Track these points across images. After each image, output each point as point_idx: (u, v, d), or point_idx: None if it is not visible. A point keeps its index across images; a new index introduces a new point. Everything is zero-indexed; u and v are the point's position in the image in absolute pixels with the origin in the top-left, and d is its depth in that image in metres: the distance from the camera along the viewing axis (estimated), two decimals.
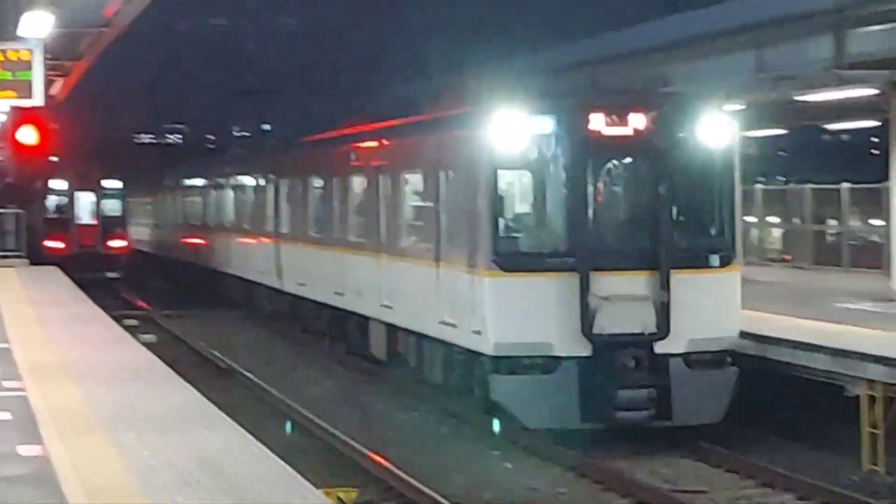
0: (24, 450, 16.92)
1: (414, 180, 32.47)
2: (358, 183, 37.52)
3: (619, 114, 26.91)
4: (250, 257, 55.17)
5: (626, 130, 26.83)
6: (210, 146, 70.01)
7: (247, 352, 39.55)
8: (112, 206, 68.57)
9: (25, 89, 30.55)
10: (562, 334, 25.54)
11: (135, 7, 33.37)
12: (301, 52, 78.13)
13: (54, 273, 50.58)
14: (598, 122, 26.72)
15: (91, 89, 61.04)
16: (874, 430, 23.40)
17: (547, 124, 26.82)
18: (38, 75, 30.38)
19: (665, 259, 25.70)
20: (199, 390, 23.04)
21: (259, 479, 15.65)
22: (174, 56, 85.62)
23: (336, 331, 40.18)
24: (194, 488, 15.08)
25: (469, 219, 27.43)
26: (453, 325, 27.70)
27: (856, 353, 24.45)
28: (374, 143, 36.96)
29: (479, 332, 25.88)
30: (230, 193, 59.74)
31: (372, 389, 31.83)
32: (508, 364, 25.54)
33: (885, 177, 37.42)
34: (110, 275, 64.10)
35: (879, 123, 40.45)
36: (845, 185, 40.70)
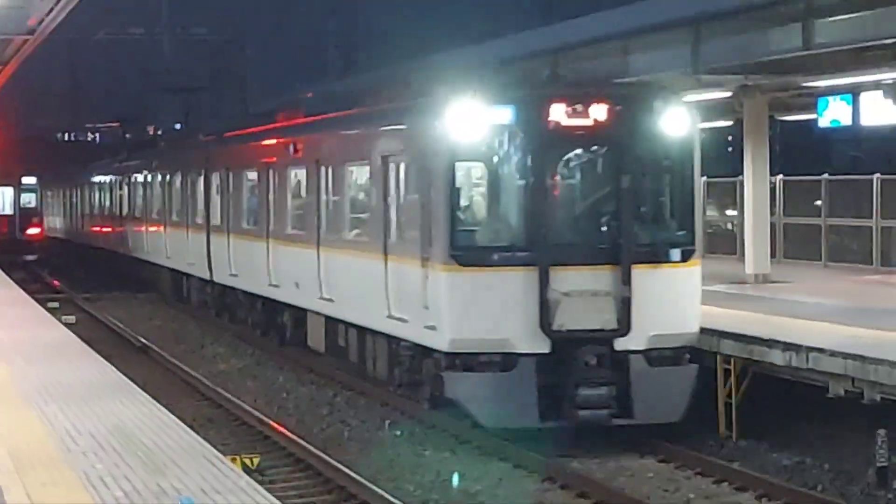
0: None
1: (359, 172, 29.66)
2: (297, 175, 34.08)
3: (579, 104, 24.39)
4: (179, 248, 50.40)
5: (586, 121, 24.38)
6: (133, 142, 67.24)
7: (159, 331, 39.47)
8: (28, 199, 74.06)
9: None
10: (520, 330, 23.16)
11: (55, 17, 33.33)
12: (214, 57, 77.00)
13: None
14: (558, 112, 24.26)
15: (16, 92, 60.49)
16: (728, 401, 23.84)
17: (505, 115, 24.31)
18: None
19: (627, 253, 23.38)
20: (115, 366, 23.23)
21: (170, 447, 15.92)
22: (93, 61, 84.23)
23: (268, 322, 36.99)
24: (109, 454, 15.30)
25: (423, 212, 24.81)
26: (402, 320, 25.22)
27: (713, 330, 24.47)
28: (314, 136, 33.66)
29: (433, 328, 23.57)
30: (155, 187, 55.46)
31: (275, 365, 31.77)
32: (464, 361, 23.24)
33: (740, 171, 38.43)
34: (28, 257, 69.61)
35: (732, 123, 40.91)
36: (703, 178, 41.01)
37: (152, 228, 52.91)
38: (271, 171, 35.09)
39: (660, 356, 23.44)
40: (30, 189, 74.36)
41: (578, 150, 24.62)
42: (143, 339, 36.36)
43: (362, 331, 28.04)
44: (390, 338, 26.09)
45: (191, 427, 18.12)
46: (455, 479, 20.78)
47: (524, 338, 22.94)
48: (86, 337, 29.32)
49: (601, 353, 22.72)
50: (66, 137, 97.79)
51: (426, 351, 24.15)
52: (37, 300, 36.39)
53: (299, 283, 31.37)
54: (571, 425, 22.58)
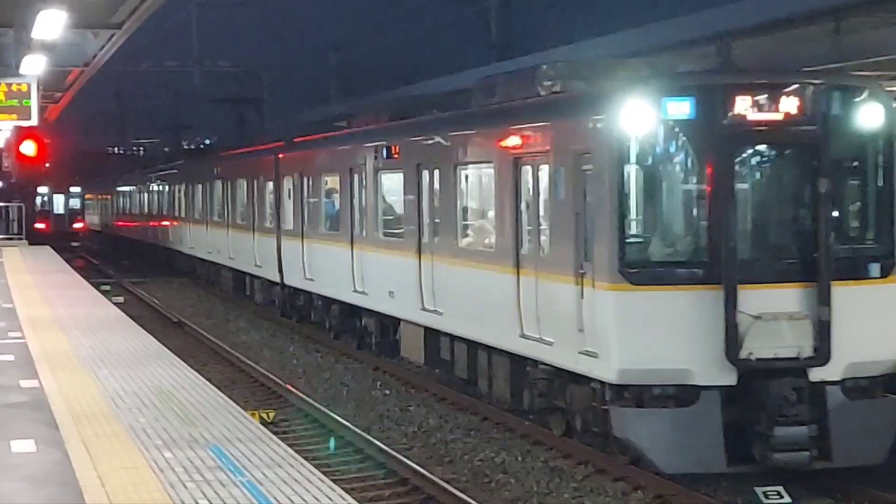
0: (25, 383, 17.16)
1: (477, 176, 23.01)
2: (391, 179, 26.90)
3: (768, 96, 18.36)
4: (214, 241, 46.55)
5: (776, 116, 18.39)
6: (185, 151, 66.84)
7: (192, 309, 39.39)
8: (74, 203, 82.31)
9: (25, 113, 30.40)
10: (702, 359, 17.05)
11: (106, 52, 33.22)
12: (236, 85, 76.50)
13: (47, 251, 50.54)
14: (743, 105, 18.18)
15: (71, 115, 60.17)
16: None
17: (683, 108, 18.16)
18: (34, 102, 30.21)
19: (825, 269, 17.48)
20: (156, 338, 23.24)
21: (200, 403, 16.00)
22: (135, 88, 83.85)
23: (346, 326, 30.24)
24: (150, 409, 15.34)
25: (578, 221, 18.59)
26: (543, 342, 18.76)
27: None
28: (416, 138, 25.42)
29: (592, 355, 17.36)
30: (216, 191, 49.10)
31: (286, 338, 31.64)
32: (634, 394, 17.23)
33: None
34: (74, 244, 75.67)
35: None
36: None
37: (212, 229, 45.15)
38: (357, 176, 28.40)
39: (856, 387, 17.70)
40: (75, 195, 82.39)
41: (767, 149, 18.87)
42: (178, 316, 36.29)
43: (474, 346, 21.79)
44: (519, 358, 19.85)
45: (217, 387, 18.14)
46: (332, 443, 19.28)
47: (706, 368, 17.03)
48: (131, 314, 29.28)
49: (799, 386, 16.94)
50: (115, 150, 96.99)
51: (577, 378, 17.99)
52: (92, 284, 36.24)
53: (394, 291, 25.06)
54: (765, 470, 17.00)
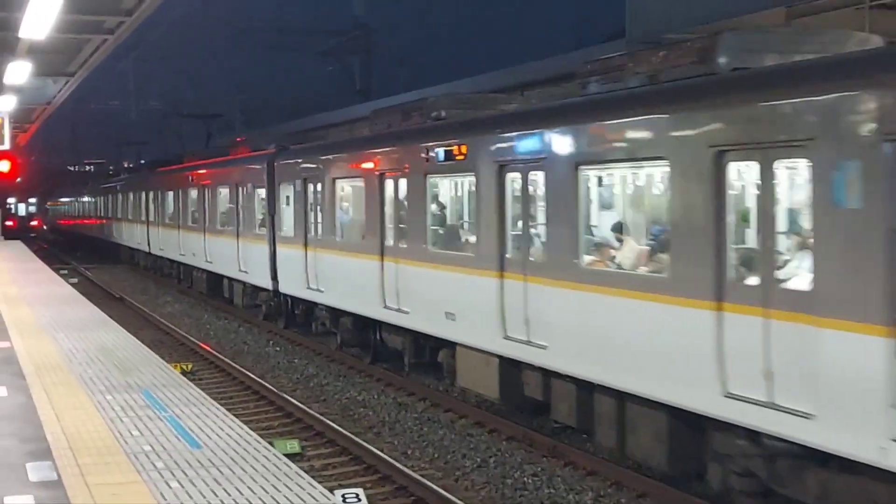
0: (0, 345, 16.88)
1: (638, 179, 13.66)
2: (457, 184, 17.76)
3: None
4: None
5: None
6: (111, 173, 65.51)
7: (129, 286, 38.92)
8: (32, 209, 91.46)
9: (0, 139, 30.17)
10: None
11: (63, 94, 32.81)
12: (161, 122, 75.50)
13: (18, 244, 49.77)
14: None
15: (34, 142, 59.14)
16: None
17: None
18: (6, 131, 29.94)
19: None
20: (101, 309, 23.02)
21: (134, 358, 15.99)
22: (87, 121, 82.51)
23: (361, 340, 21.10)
24: (96, 363, 15.25)
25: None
26: (779, 409, 9.77)
27: None
28: (501, 135, 15.08)
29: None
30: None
31: (202, 309, 31.36)
32: None
33: None
34: (31, 235, 77.19)
35: None
36: None
37: (185, 233, 34.29)
38: (392, 180, 18.22)
39: None
40: (32, 203, 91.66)
41: None
42: (119, 293, 35.81)
43: (585, 387, 13.24)
44: (713, 423, 11.01)
45: (148, 346, 18.08)
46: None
47: None
48: (83, 291, 28.96)
49: None
50: (70, 168, 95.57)
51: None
52: (53, 269, 35.76)
53: (456, 313, 16.11)
54: None
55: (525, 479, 13.00)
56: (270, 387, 18.62)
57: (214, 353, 22.65)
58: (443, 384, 17.89)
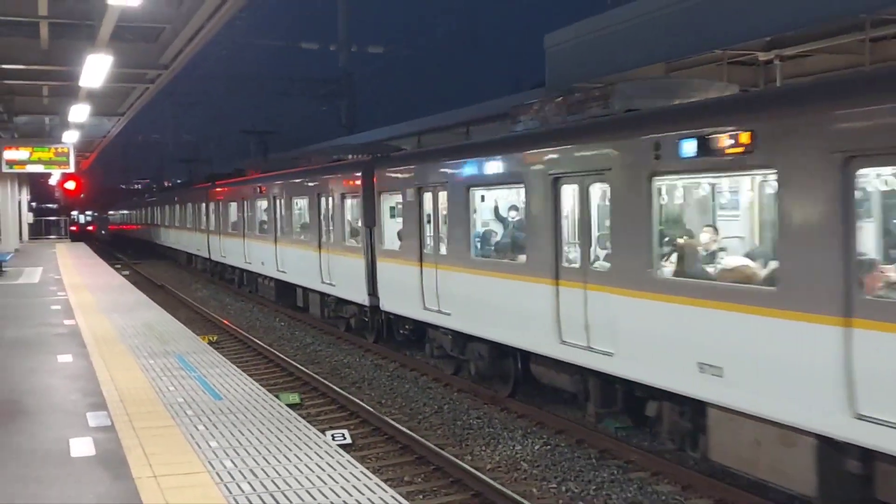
0: (67, 321, 16.86)
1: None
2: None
3: None
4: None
5: None
6: (166, 187, 64.35)
7: (170, 277, 38.65)
8: (89, 218, 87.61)
9: (66, 165, 30.05)
10: None
11: (115, 129, 32.63)
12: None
13: (82, 245, 49.24)
14: None
15: (93, 168, 58.53)
16: None
17: None
18: (72, 158, 29.83)
19: None
20: (147, 295, 22.87)
21: (172, 332, 15.87)
22: (136, 150, 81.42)
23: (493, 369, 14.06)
24: (142, 335, 15.17)
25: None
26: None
27: None
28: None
29: None
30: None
31: (228, 293, 31.21)
32: None
33: None
34: (88, 236, 73.38)
35: None
36: None
37: (253, 242, 27.29)
38: (575, 185, 11.27)
39: None
40: (89, 214, 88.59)
41: None
42: (161, 282, 35.55)
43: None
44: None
45: (182, 322, 17.97)
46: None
47: None
48: (132, 281, 28.81)
49: None
50: (122, 186, 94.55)
51: None
52: (108, 263, 35.41)
53: (724, 366, 8.60)
54: None
55: (471, 420, 13.07)
56: (276, 352, 18.59)
57: (233, 327, 22.54)
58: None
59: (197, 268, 39.40)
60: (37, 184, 56.43)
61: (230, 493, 7.06)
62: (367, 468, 8.06)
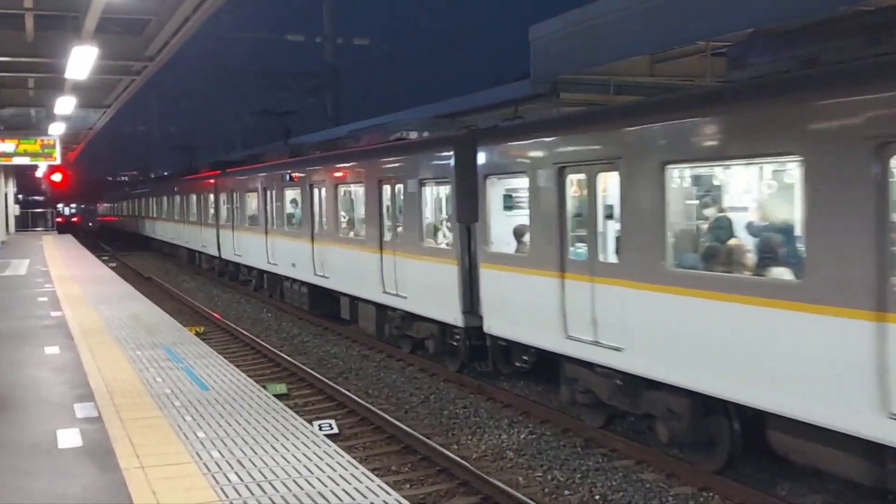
0: (54, 313, 16.76)
1: None
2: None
3: None
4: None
5: None
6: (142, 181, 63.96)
7: (156, 268, 38.48)
8: (72, 210, 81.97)
9: (52, 157, 29.92)
10: None
11: (101, 121, 32.42)
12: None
13: (68, 237, 48.98)
14: None
15: (83, 156, 58.24)
16: None
17: None
18: (58, 151, 29.70)
19: None
20: (133, 287, 22.77)
21: (159, 323, 15.79)
22: (120, 142, 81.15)
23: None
24: (129, 326, 15.09)
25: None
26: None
27: None
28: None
29: None
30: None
31: (211, 285, 31.07)
32: None
33: None
34: (73, 228, 70.17)
35: None
36: None
37: (276, 238, 23.05)
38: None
39: None
40: (72, 206, 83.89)
41: None
42: (148, 273, 35.39)
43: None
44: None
45: (169, 314, 17.86)
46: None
47: None
48: (120, 273, 28.68)
49: None
50: (109, 178, 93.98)
51: None
52: (95, 255, 35.28)
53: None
54: None
55: (457, 410, 13.05)
56: (264, 343, 18.51)
57: (221, 318, 22.43)
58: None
59: (202, 266, 34.69)
60: (23, 176, 56.04)
61: (217, 483, 7.03)
62: (354, 458, 8.03)
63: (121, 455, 7.73)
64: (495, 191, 12.86)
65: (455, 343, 14.15)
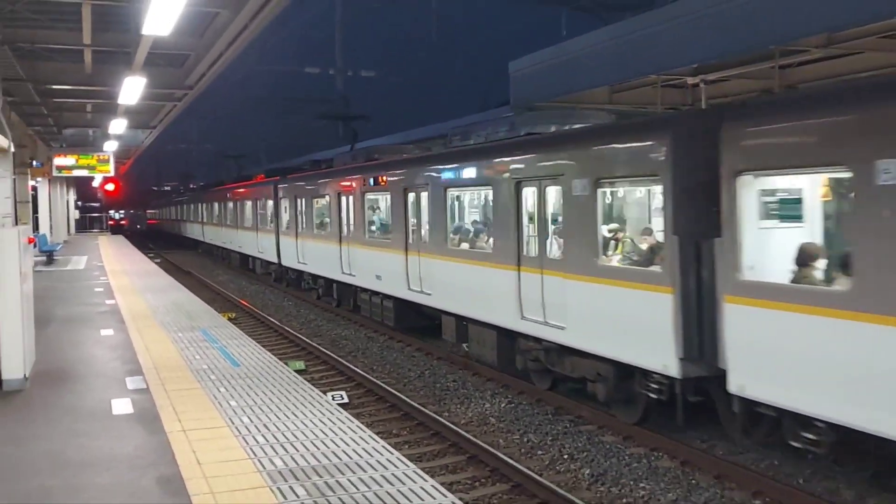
0: (108, 301, 16.70)
1: None
2: None
3: None
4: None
5: None
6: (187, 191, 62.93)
7: (195, 264, 38.30)
8: (122, 215, 79.07)
9: (107, 169, 29.79)
10: None
11: (148, 139, 32.29)
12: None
13: (120, 237, 48.63)
14: None
15: (133, 169, 57.84)
16: None
17: None
18: (111, 164, 29.60)
19: None
20: (175, 279, 22.66)
21: (197, 310, 15.74)
22: (164, 158, 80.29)
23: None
24: (172, 313, 15.03)
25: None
26: None
27: None
28: None
29: None
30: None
31: (241, 278, 30.93)
32: None
33: None
34: (122, 229, 69.22)
35: None
36: None
37: (355, 247, 17.77)
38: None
39: None
40: (123, 212, 79.90)
41: None
42: (188, 268, 35.19)
43: None
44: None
45: (206, 302, 17.82)
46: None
47: None
48: (163, 267, 28.56)
49: None
50: (155, 188, 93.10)
51: None
52: (143, 252, 35.11)
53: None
54: None
55: (448, 383, 13.05)
56: (286, 327, 18.45)
57: (249, 306, 22.32)
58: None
59: (256, 272, 29.93)
60: (81, 185, 55.85)
61: (247, 444, 7.04)
62: (362, 423, 8.04)
63: (165, 420, 7.73)
64: (749, 194, 7.39)
65: (643, 391, 9.36)
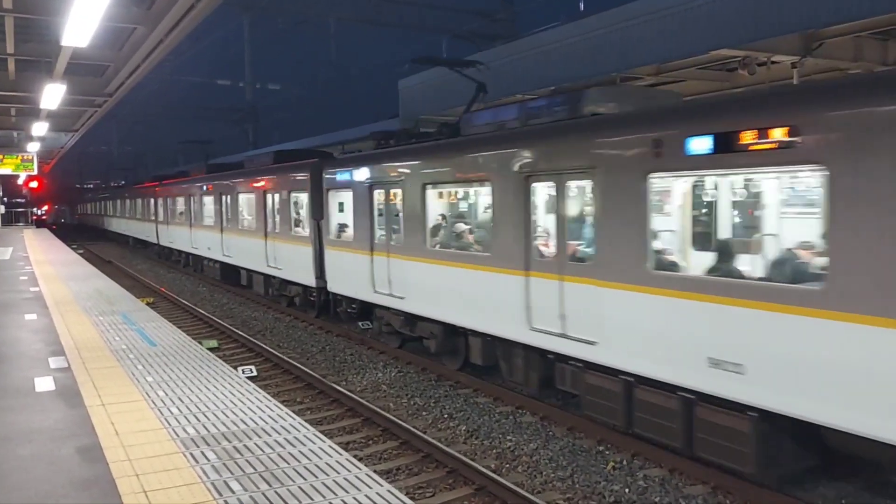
0: (32, 288, 15.68)
1: None
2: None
3: None
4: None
5: None
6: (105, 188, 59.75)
7: (118, 254, 36.50)
8: (42, 211, 72.00)
9: (31, 169, 27.99)
10: None
11: (71, 141, 30.51)
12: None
13: (44, 231, 45.77)
14: None
15: (55, 169, 54.49)
16: None
17: None
18: (35, 164, 27.86)
19: None
20: (96, 268, 21.50)
21: (117, 296, 14.98)
22: (86, 157, 75.92)
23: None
24: (93, 298, 14.27)
25: None
26: None
27: None
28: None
29: None
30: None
31: (161, 265, 29.67)
32: None
33: None
34: (45, 223, 64.39)
35: None
36: None
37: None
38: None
39: None
40: (44, 209, 74.77)
41: None
42: (108, 258, 33.50)
43: None
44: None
45: (126, 289, 17.02)
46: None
47: None
48: (85, 257, 27.12)
49: None
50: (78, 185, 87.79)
51: None
52: (65, 244, 33.13)
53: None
54: None
55: (346, 357, 12.85)
56: (200, 310, 17.85)
57: (166, 292, 21.46)
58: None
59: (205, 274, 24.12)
60: (7, 183, 52.06)
61: (162, 415, 6.77)
62: (269, 394, 7.88)
63: (86, 395, 7.33)
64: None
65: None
